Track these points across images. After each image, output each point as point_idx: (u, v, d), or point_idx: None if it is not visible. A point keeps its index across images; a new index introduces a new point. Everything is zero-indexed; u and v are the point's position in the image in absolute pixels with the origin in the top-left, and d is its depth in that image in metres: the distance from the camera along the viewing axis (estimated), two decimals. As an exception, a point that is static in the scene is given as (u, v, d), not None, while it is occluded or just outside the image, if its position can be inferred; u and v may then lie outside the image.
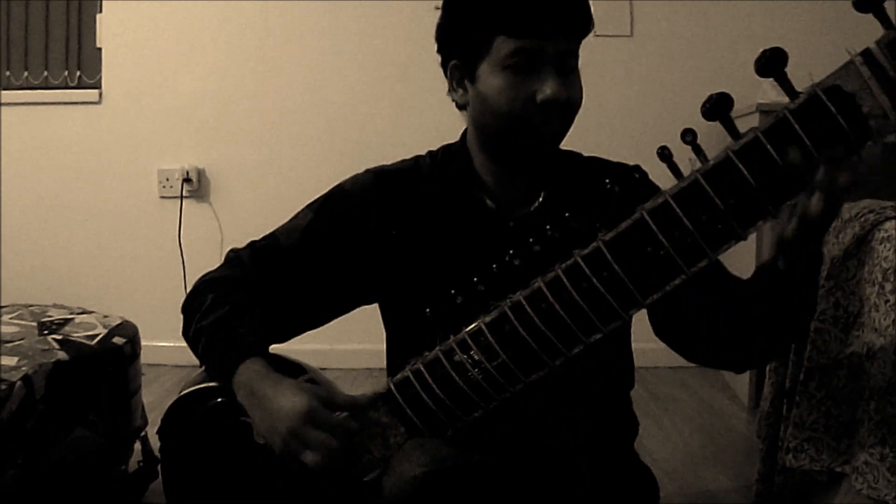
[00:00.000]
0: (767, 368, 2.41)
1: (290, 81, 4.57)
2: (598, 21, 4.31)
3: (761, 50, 1.07)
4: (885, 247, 1.96)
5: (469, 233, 1.61)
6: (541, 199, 1.62)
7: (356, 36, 4.51)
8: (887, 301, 1.90)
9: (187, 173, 4.57)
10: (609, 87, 4.43)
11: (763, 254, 3.66)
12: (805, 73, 1.14)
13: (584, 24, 1.51)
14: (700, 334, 1.55)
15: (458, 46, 1.58)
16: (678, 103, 4.27)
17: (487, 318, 1.32)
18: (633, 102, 4.45)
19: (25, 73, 4.69)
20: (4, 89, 4.70)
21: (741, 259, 3.93)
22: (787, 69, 1.06)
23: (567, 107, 1.49)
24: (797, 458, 2.10)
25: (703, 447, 3.31)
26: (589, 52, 4.39)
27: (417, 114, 4.10)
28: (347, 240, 1.64)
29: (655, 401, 3.86)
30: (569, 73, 1.49)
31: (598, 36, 4.24)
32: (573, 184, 1.63)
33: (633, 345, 1.74)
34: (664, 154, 1.19)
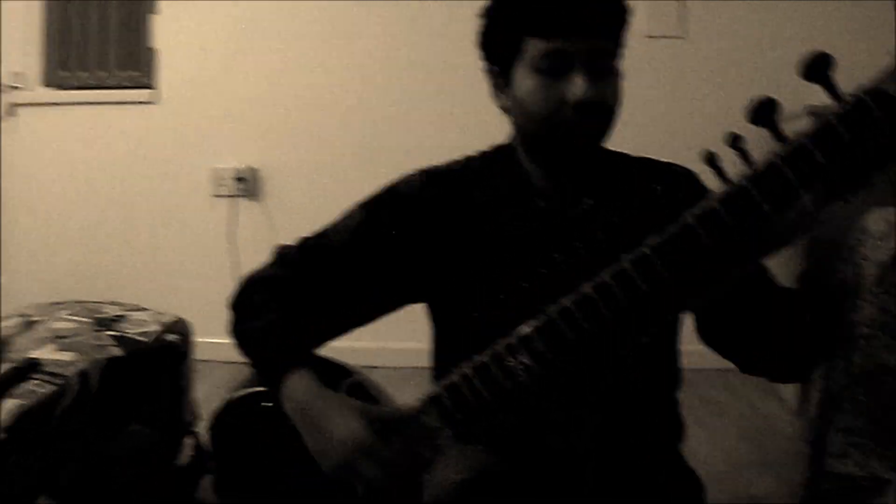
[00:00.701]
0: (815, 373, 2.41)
1: (344, 82, 4.59)
2: (650, 22, 4.33)
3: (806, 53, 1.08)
4: (933, 253, 1.96)
5: (519, 233, 1.60)
6: (591, 202, 1.60)
7: (409, 38, 4.53)
8: (935, 307, 1.91)
9: (241, 172, 4.61)
10: (661, 88, 4.42)
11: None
12: (863, 72, 1.14)
13: (615, 21, 1.50)
14: (742, 340, 1.54)
15: (494, 51, 1.59)
16: (732, 105, 4.21)
17: (536, 323, 1.33)
18: (686, 104, 4.42)
19: (83, 73, 4.77)
20: (63, 89, 4.78)
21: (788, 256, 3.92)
22: (836, 71, 1.07)
23: (600, 108, 1.48)
24: (843, 463, 2.10)
25: (749, 451, 3.30)
26: (641, 54, 4.40)
27: (468, 114, 4.09)
28: (398, 240, 1.65)
29: (702, 404, 3.83)
30: (604, 75, 1.48)
31: (650, 37, 4.29)
32: (622, 186, 1.62)
33: (680, 347, 1.74)
34: (711, 159, 1.20)
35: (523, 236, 1.59)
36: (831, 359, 1.66)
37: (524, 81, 1.50)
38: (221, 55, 4.64)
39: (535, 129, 1.53)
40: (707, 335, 1.59)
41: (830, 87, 1.08)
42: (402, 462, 1.43)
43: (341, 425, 1.42)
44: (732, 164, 1.18)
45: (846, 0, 4.27)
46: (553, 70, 1.46)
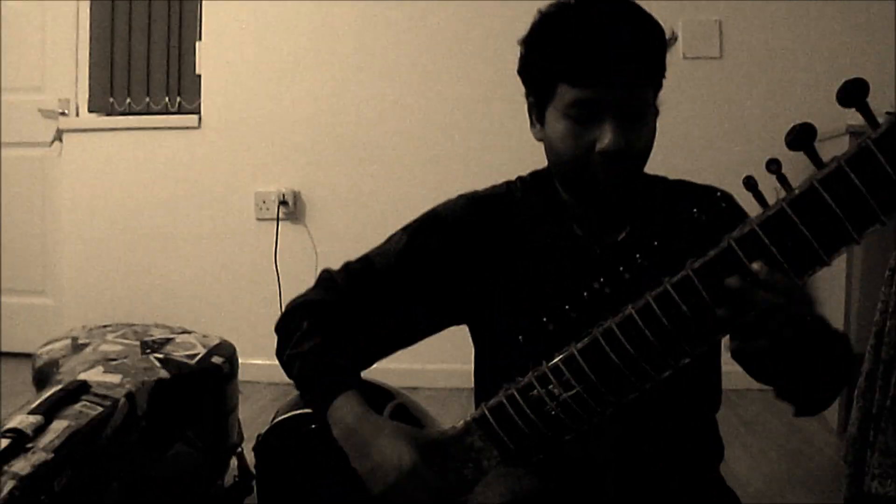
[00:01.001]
0: (855, 393, 2.41)
1: (384, 105, 4.63)
2: (686, 42, 4.35)
3: (843, 80, 1.10)
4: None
5: (559, 259, 1.62)
6: (628, 230, 1.61)
7: (450, 64, 4.56)
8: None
9: (283, 196, 4.66)
10: (698, 109, 4.42)
11: (853, 273, 3.64)
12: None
13: (647, 71, 1.50)
14: (773, 368, 1.55)
15: (530, 86, 1.60)
16: (768, 125, 4.24)
17: (579, 345, 1.34)
18: (722, 125, 4.42)
19: (128, 100, 4.84)
20: (109, 115, 4.86)
21: (832, 277, 3.92)
22: (872, 95, 1.08)
23: (629, 156, 1.48)
24: (883, 484, 2.10)
25: (790, 470, 3.28)
26: (678, 74, 4.41)
27: (509, 140, 4.13)
28: (441, 264, 1.67)
29: (743, 423, 3.83)
30: (634, 121, 1.48)
31: (686, 58, 4.31)
32: (660, 212, 1.62)
33: (721, 367, 1.75)
34: (749, 183, 1.22)
35: (563, 261, 1.61)
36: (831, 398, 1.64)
37: (555, 124, 1.52)
38: (264, 81, 4.70)
39: (563, 171, 1.56)
40: (740, 357, 1.60)
41: (867, 112, 1.10)
42: (448, 486, 1.46)
43: (389, 450, 1.45)
44: (773, 190, 1.20)
45: (878, 23, 4.26)
46: (583, 117, 1.47)
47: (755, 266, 1.18)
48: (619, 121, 1.45)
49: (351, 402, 1.52)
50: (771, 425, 3.83)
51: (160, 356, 2.56)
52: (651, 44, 1.50)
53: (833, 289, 3.77)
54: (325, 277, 1.76)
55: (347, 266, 1.75)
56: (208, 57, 4.76)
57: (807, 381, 1.37)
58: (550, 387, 1.37)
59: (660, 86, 1.55)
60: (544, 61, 1.53)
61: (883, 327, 2.29)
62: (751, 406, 4.03)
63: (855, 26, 4.34)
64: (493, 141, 4.42)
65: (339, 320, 1.67)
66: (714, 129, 4.42)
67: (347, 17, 4.62)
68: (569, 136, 1.49)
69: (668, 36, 1.55)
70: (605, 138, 1.44)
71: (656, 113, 1.56)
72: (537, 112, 1.59)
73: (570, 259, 1.61)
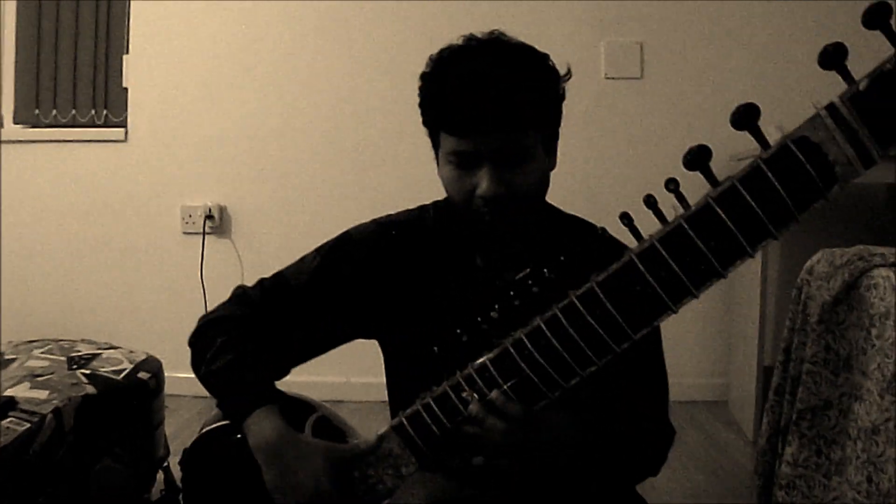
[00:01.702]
0: (765, 407, 2.49)
1: (312, 122, 4.65)
2: (609, 63, 4.43)
3: (736, 105, 1.16)
4: (872, 293, 2.05)
5: (460, 287, 1.69)
6: (527, 272, 1.67)
7: (378, 79, 4.58)
8: (873, 345, 1.99)
9: (210, 210, 4.65)
10: (619, 127, 4.50)
11: (768, 291, 3.74)
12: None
13: (525, 117, 1.52)
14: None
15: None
16: (687, 144, 4.30)
17: (491, 355, 1.42)
18: (643, 143, 4.49)
19: (54, 112, 4.79)
20: (33, 127, 4.82)
21: (748, 294, 4.03)
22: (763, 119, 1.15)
23: (509, 199, 1.53)
24: (790, 494, 2.17)
25: (707, 480, 3.35)
26: (599, 94, 4.50)
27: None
28: (351, 284, 1.75)
29: (662, 435, 3.90)
30: (514, 165, 1.53)
31: (608, 78, 4.39)
32: (556, 251, 1.61)
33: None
34: (649, 201, 1.28)
35: (464, 289, 1.69)
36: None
37: (443, 168, 1.60)
38: (191, 95, 4.69)
39: (456, 211, 1.62)
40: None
41: (758, 135, 1.17)
42: (363, 497, 1.51)
43: (303, 467, 1.50)
44: (672, 208, 1.27)
45: (797, 44, 4.37)
46: (463, 164, 1.54)
47: (471, 408, 1.37)
48: (497, 167, 1.51)
49: (268, 416, 1.57)
50: (690, 438, 3.89)
51: (87, 372, 2.57)
52: (529, 89, 1.54)
53: (749, 305, 3.87)
54: (239, 293, 1.81)
55: (262, 283, 1.81)
56: (135, 70, 4.73)
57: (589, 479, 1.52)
58: (464, 395, 1.43)
59: (552, 124, 1.62)
60: (427, 111, 1.60)
61: (790, 344, 2.37)
62: (671, 418, 4.10)
63: (770, 49, 4.45)
64: (419, 158, 4.42)
65: (253, 335, 1.72)
66: (635, 147, 4.50)
67: (275, 32, 4.63)
68: (453, 181, 1.57)
69: (562, 73, 1.62)
70: (482, 185, 1.51)
71: (551, 149, 1.63)
72: (434, 151, 1.66)
73: (471, 287, 1.67)
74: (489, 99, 1.48)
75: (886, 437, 1.89)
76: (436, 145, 1.63)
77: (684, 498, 3.17)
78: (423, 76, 1.62)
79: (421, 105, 1.63)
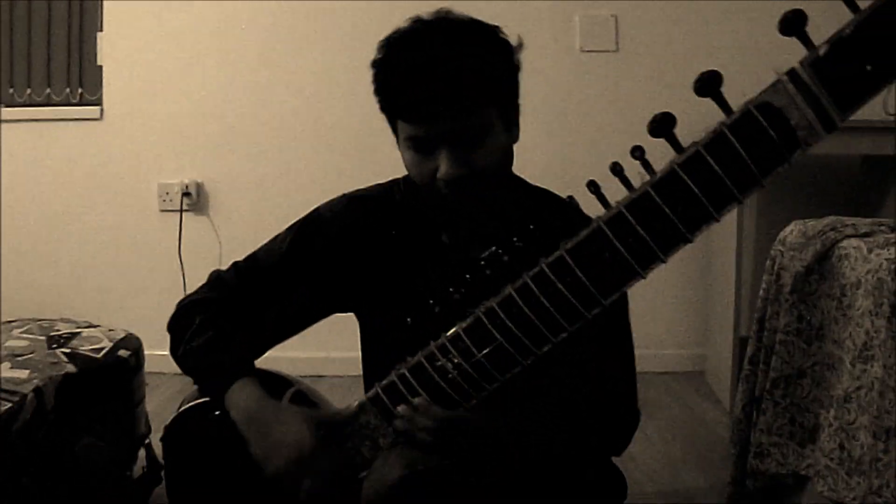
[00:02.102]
0: (740, 376, 2.51)
1: (288, 98, 4.64)
2: (584, 36, 4.42)
3: (700, 72, 1.18)
4: (843, 263, 2.07)
5: (427, 263, 1.72)
6: (492, 251, 1.69)
7: (356, 54, 4.53)
8: (845, 315, 2.01)
9: (187, 187, 4.65)
10: (594, 100, 4.51)
11: (743, 263, 3.77)
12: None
13: (479, 96, 1.54)
14: None
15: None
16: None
17: (464, 324, 1.44)
18: (618, 115, 4.50)
19: (28, 90, 4.76)
20: (7, 106, 4.79)
21: (722, 265, 4.06)
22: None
23: (470, 179, 1.55)
24: (764, 462, 2.20)
25: (685, 451, 3.38)
26: (575, 66, 4.49)
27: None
28: (322, 261, 1.77)
29: (640, 405, 3.91)
30: (472, 146, 1.54)
31: (584, 51, 4.40)
32: (523, 223, 1.70)
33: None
34: (615, 169, 1.30)
35: (431, 265, 1.72)
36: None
37: (403, 153, 1.63)
38: (166, 72, 4.67)
39: (420, 191, 1.64)
40: None
41: (721, 102, 1.19)
42: (343, 463, 1.53)
43: (285, 431, 1.52)
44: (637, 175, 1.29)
45: (772, 16, 4.38)
46: (420, 149, 1.57)
47: (400, 408, 1.42)
48: (454, 148, 1.53)
49: (248, 388, 1.59)
50: (668, 408, 3.93)
51: (67, 351, 2.57)
52: (480, 67, 1.54)
53: (725, 276, 3.90)
54: (214, 277, 1.84)
55: (235, 265, 1.84)
56: (110, 47, 4.70)
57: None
58: (438, 364, 1.46)
59: (509, 98, 1.63)
60: (380, 98, 1.63)
61: (764, 314, 2.39)
62: (648, 389, 4.13)
63: (745, 20, 4.47)
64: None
65: (230, 315, 1.74)
66: (610, 120, 4.51)
67: (249, 8, 4.61)
68: (413, 166, 1.60)
69: (514, 43, 1.62)
70: (441, 168, 1.53)
71: (512, 122, 1.64)
72: (395, 136, 1.67)
73: (438, 266, 1.70)
74: (439, 83, 1.50)
75: (858, 404, 1.92)
76: (394, 130, 1.66)
77: (661, 467, 3.21)
78: (374, 63, 1.64)
79: (375, 92, 1.64)
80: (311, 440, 1.50)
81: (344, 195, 1.85)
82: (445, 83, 1.50)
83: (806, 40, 1.09)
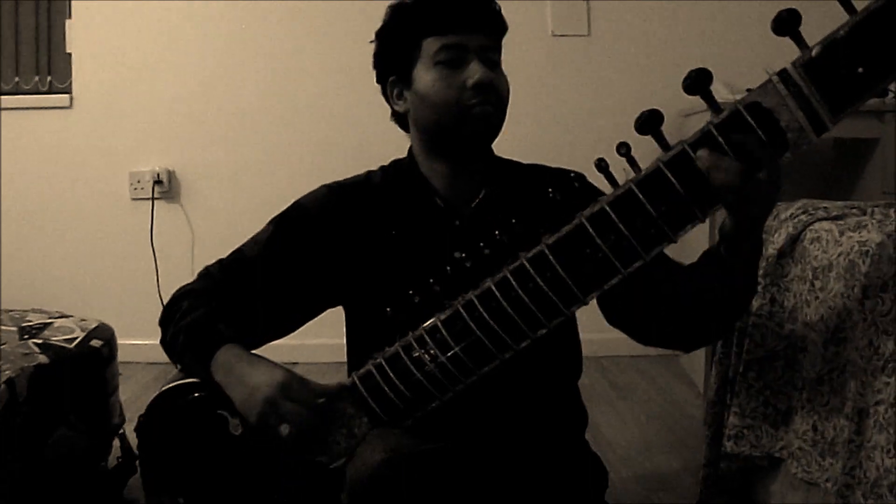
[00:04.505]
0: (713, 359, 2.52)
1: (259, 85, 4.63)
2: (556, 20, 4.43)
3: (688, 71, 1.18)
4: (815, 246, 2.08)
5: (421, 232, 1.74)
6: (482, 196, 1.74)
7: (326, 42, 4.57)
8: (817, 297, 2.02)
9: (158, 175, 4.63)
10: (566, 85, 4.54)
11: (718, 221, 3.79)
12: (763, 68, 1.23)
13: (499, 22, 1.72)
14: (648, 319, 1.66)
15: (392, 61, 1.75)
16: (635, 101, 4.34)
17: (442, 316, 1.44)
18: (591, 100, 4.53)
19: (-3, 79, 4.74)
20: (-24, 95, 4.75)
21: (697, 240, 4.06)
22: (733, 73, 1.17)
23: (496, 91, 1.65)
24: (738, 444, 2.21)
25: (659, 433, 3.40)
26: (546, 51, 4.49)
27: (386, 122, 4.13)
28: (307, 251, 1.77)
29: (614, 389, 3.95)
30: (493, 67, 1.67)
31: (556, 36, 4.40)
32: (513, 184, 1.77)
33: (592, 335, 1.86)
34: (601, 165, 1.30)
35: (425, 233, 1.73)
36: (731, 327, 1.77)
37: (425, 77, 1.68)
38: (136, 59, 4.65)
39: (438, 118, 1.68)
40: (610, 316, 1.72)
41: (710, 100, 1.18)
42: (320, 406, 1.53)
43: (265, 374, 1.52)
44: (623, 171, 1.29)
45: (745, 5, 4.41)
46: (451, 61, 1.65)
47: (700, 153, 1.21)
48: (483, 63, 1.64)
49: (233, 349, 1.59)
50: (642, 391, 3.95)
51: (39, 341, 2.56)
52: (496, 4, 1.72)
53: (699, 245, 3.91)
54: (203, 273, 1.84)
55: (221, 261, 1.84)
56: (79, 35, 4.67)
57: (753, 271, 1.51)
58: (415, 355, 1.45)
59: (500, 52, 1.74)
60: (408, 22, 1.70)
61: (738, 297, 2.40)
62: (623, 373, 4.16)
63: (717, 5, 4.49)
64: (370, 124, 4.37)
65: (219, 301, 1.73)
66: (582, 104, 4.53)
67: (220, -6, 4.60)
68: (441, 80, 1.65)
69: None
70: (476, 73, 1.63)
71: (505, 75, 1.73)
72: (403, 82, 1.75)
73: (432, 230, 1.73)
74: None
75: (830, 386, 1.93)
76: (407, 70, 1.72)
77: (636, 450, 3.22)
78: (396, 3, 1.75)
79: (396, 27, 1.75)
80: (285, 377, 1.50)
81: (323, 185, 1.86)
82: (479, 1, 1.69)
83: (799, 40, 1.09)
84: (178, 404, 1.66)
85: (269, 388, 1.49)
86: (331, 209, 1.79)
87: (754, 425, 2.20)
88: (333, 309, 1.87)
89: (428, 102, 1.68)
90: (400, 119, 1.84)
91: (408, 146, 1.85)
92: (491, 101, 1.65)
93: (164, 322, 1.75)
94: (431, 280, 1.47)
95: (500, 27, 1.73)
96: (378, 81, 1.84)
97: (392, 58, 1.76)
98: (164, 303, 1.79)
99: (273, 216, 1.84)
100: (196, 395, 1.63)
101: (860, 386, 1.80)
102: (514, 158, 1.87)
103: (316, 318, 1.86)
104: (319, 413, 1.52)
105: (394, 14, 1.75)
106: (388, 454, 1.42)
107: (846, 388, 1.87)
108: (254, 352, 1.64)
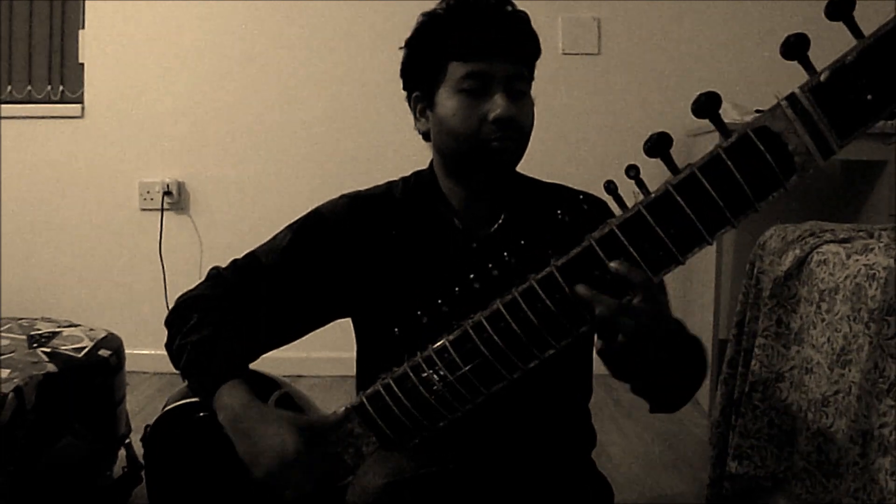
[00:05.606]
0: (719, 379, 2.53)
1: (269, 97, 4.65)
2: (566, 39, 4.44)
3: (697, 94, 1.17)
4: (822, 269, 2.09)
5: (437, 252, 1.72)
6: (501, 221, 1.72)
7: (336, 55, 4.60)
8: (823, 320, 2.03)
9: (168, 186, 4.64)
10: (576, 103, 4.55)
11: (723, 267, 3.79)
12: (773, 90, 1.23)
13: (530, 49, 1.67)
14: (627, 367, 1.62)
15: (418, 77, 1.73)
16: (644, 120, 4.40)
17: (451, 337, 1.42)
18: (600, 119, 4.55)
19: (9, 88, 4.75)
20: (-12, 103, 4.77)
21: (704, 270, 4.07)
22: (741, 92, 1.17)
23: (518, 126, 1.62)
24: (742, 464, 2.22)
25: (663, 453, 3.39)
26: (557, 69, 4.50)
27: (395, 133, 4.15)
28: (323, 261, 1.75)
29: (619, 408, 3.93)
30: (518, 97, 1.63)
31: (566, 54, 4.41)
32: (532, 207, 1.73)
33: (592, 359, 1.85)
34: (609, 187, 1.30)
35: (441, 254, 1.71)
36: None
37: (447, 102, 1.64)
38: (148, 70, 4.67)
39: (457, 146, 1.65)
40: (604, 356, 1.69)
41: (719, 124, 1.19)
42: (328, 469, 1.53)
43: (273, 435, 1.50)
44: (632, 194, 1.30)
45: (753, 19, 4.43)
46: (475, 91, 1.61)
47: (613, 264, 1.25)
48: (508, 94, 1.60)
49: (237, 390, 1.57)
50: (646, 409, 3.91)
51: (47, 350, 2.57)
52: (529, 28, 1.67)
53: (704, 281, 3.92)
54: (213, 274, 1.81)
55: (235, 262, 1.81)
56: (91, 45, 4.70)
57: (663, 380, 1.45)
58: (424, 376, 1.44)
59: (532, 76, 1.70)
60: (435, 43, 1.66)
61: (743, 317, 2.41)
62: (628, 392, 4.09)
63: (726, 25, 4.50)
64: (379, 135, 4.43)
65: (228, 314, 1.71)
66: (592, 122, 4.55)
67: (233, 6, 4.62)
68: (463, 109, 1.62)
69: None
70: (498, 106, 1.59)
71: (532, 103, 1.69)
72: (426, 101, 1.71)
73: (448, 251, 1.71)
74: (503, 25, 1.63)
75: (836, 408, 1.93)
76: (431, 90, 1.69)
77: (641, 469, 3.22)
78: (425, 19, 1.71)
79: (423, 45, 1.71)
80: (295, 447, 1.49)
81: (343, 195, 1.83)
82: (507, 25, 1.64)
83: (807, 65, 1.09)
84: (186, 420, 1.67)
85: (277, 459, 1.49)
86: (350, 222, 1.77)
87: (759, 446, 2.20)
88: (337, 322, 1.86)
89: (447, 129, 1.66)
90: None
91: (415, 158, 1.86)
92: (512, 137, 1.62)
93: (170, 325, 1.74)
94: (440, 301, 1.47)
95: (532, 54, 1.69)
96: (404, 89, 1.80)
97: (418, 74, 1.74)
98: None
99: (290, 222, 1.82)
100: (203, 414, 1.62)
101: (865, 408, 1.81)
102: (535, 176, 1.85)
103: (320, 332, 1.86)
104: (323, 476, 1.53)
105: (424, 26, 1.71)
106: (388, 479, 1.42)
107: (851, 410, 1.87)
108: (257, 359, 1.65)
